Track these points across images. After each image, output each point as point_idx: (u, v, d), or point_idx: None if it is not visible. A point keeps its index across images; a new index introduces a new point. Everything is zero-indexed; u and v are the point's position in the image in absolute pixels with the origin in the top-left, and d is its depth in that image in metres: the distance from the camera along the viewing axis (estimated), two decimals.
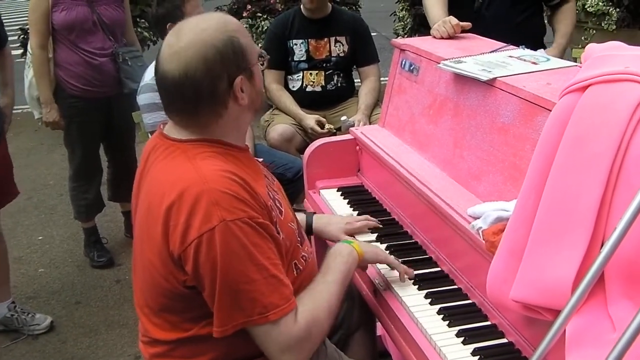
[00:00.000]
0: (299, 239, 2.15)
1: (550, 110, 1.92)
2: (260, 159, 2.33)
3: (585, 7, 7.09)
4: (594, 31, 7.20)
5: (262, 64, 2.05)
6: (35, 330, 4.10)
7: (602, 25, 7.06)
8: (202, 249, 1.82)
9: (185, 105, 1.95)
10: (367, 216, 2.75)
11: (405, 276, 2.33)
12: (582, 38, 7.26)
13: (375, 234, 2.65)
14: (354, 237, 2.58)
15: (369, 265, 2.39)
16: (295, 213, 2.46)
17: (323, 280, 2.11)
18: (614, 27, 6.99)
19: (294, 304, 1.93)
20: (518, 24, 3.71)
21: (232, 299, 1.86)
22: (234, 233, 1.82)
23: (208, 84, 1.89)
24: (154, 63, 3.50)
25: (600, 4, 7.04)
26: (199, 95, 1.91)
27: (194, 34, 1.90)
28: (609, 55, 1.91)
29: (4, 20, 4.19)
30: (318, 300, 2.03)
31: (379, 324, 2.85)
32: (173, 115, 2.01)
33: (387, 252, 2.46)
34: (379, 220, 2.73)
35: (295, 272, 2.06)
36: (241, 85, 1.93)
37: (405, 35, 7.82)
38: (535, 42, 3.07)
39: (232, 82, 1.91)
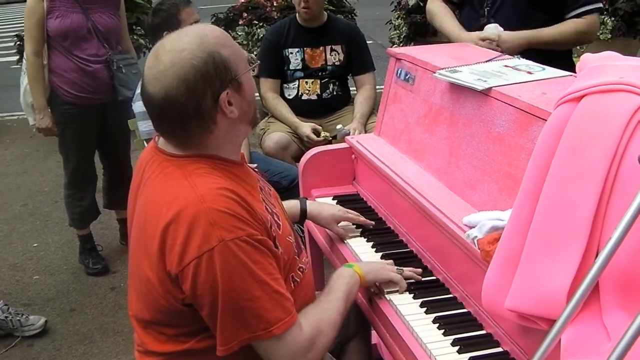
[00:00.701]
0: (296, 250, 2.15)
1: (546, 120, 1.93)
2: (254, 165, 2.33)
3: None
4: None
5: (253, 70, 2.04)
6: (30, 331, 4.12)
7: (597, 34, 7.06)
8: (201, 269, 1.82)
9: (173, 127, 1.93)
10: (361, 216, 2.78)
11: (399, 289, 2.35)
12: (578, 47, 7.26)
13: (371, 243, 2.65)
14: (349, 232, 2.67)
15: None
16: (288, 200, 2.47)
17: (327, 298, 2.14)
18: (609, 36, 7.01)
19: (296, 316, 1.94)
20: None
21: (235, 317, 1.86)
22: (233, 252, 1.82)
23: (193, 105, 1.87)
24: None
25: None
26: (184, 116, 1.88)
27: (172, 55, 1.87)
28: (604, 65, 1.92)
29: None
30: (322, 314, 2.06)
31: (374, 332, 2.85)
32: (164, 135, 2.00)
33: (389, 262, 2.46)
34: (374, 229, 2.76)
35: (292, 285, 2.07)
36: (228, 99, 1.90)
37: (401, 44, 7.83)
38: (559, 61, 2.96)
39: (217, 99, 1.88)
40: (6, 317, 4.09)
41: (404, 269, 2.38)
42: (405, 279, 2.35)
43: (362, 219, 2.76)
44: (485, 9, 3.52)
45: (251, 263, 1.84)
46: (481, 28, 3.41)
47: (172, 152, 1.98)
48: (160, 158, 1.99)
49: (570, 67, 3.05)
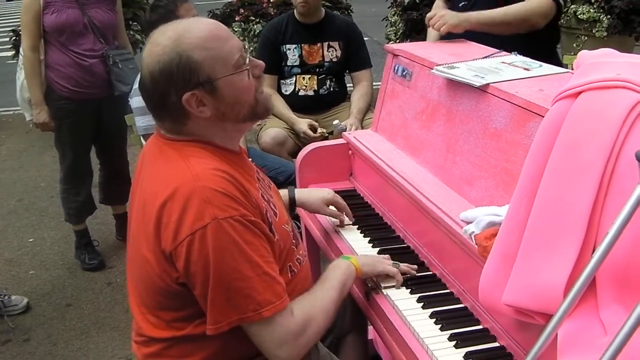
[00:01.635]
0: (293, 241, 2.17)
1: (543, 116, 1.94)
2: (250, 159, 2.34)
3: (577, 14, 7.12)
4: (586, 38, 7.24)
5: (250, 74, 2.01)
6: (14, 311, 4.22)
7: (593, 32, 7.09)
8: (194, 246, 1.83)
9: (152, 109, 2.02)
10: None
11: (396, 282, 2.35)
12: (574, 45, 7.30)
13: (368, 238, 2.66)
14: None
15: None
16: (278, 190, 2.48)
17: (321, 287, 2.15)
18: (605, 34, 7.02)
19: (287, 301, 1.95)
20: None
21: (225, 297, 1.86)
22: (226, 231, 1.83)
23: (158, 97, 1.94)
24: None
25: (592, 11, 7.07)
26: (155, 104, 1.98)
27: (150, 47, 1.94)
28: (601, 62, 1.93)
29: None
30: (315, 301, 2.07)
31: (370, 328, 2.86)
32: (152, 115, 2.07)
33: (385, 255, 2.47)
34: (371, 224, 2.76)
35: (289, 275, 2.08)
36: (195, 100, 1.91)
37: (397, 41, 7.83)
38: (538, 51, 2.96)
39: (180, 97, 1.90)
40: None
41: (400, 264, 2.39)
42: (402, 274, 2.36)
43: (346, 212, 2.78)
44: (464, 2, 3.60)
45: (243, 243, 1.85)
46: None
47: (171, 136, 2.01)
48: (160, 142, 2.03)
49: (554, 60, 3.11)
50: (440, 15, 3.14)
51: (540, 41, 3.26)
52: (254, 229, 1.90)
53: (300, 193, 2.73)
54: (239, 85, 1.98)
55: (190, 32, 1.93)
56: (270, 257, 1.94)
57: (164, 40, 1.92)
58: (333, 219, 2.80)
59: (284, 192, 2.68)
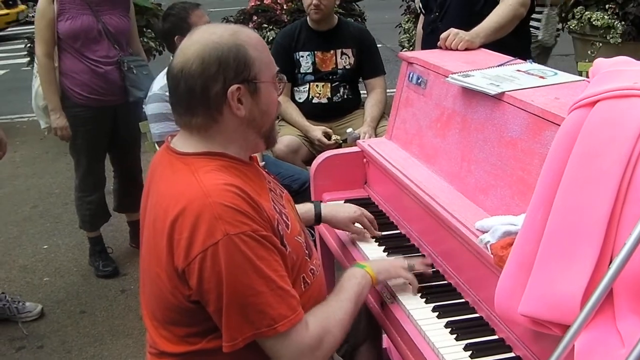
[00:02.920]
0: (307, 252, 2.15)
1: (558, 125, 1.93)
2: (267, 171, 2.33)
3: (591, 20, 7.10)
4: (600, 44, 7.21)
5: (280, 89, 2.09)
6: (28, 318, 4.23)
7: (608, 38, 7.06)
8: (206, 263, 1.82)
9: (181, 102, 1.98)
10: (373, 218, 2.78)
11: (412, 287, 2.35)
12: (588, 52, 7.27)
13: (383, 247, 2.65)
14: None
15: None
16: (303, 204, 2.48)
17: (336, 298, 2.13)
18: (619, 40, 6.99)
19: (302, 314, 1.94)
20: None
21: (240, 313, 1.86)
22: (238, 247, 1.82)
23: (201, 82, 1.92)
24: (162, 73, 3.53)
25: (606, 17, 7.04)
26: (192, 93, 1.94)
27: (202, 34, 1.96)
28: (617, 70, 1.92)
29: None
30: (330, 313, 2.06)
31: (385, 337, 2.85)
32: (175, 111, 2.03)
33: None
34: (385, 233, 2.75)
35: (303, 287, 2.07)
36: (238, 94, 1.93)
37: (411, 48, 7.82)
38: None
39: (227, 88, 1.92)
40: (4, 304, 4.20)
41: (414, 262, 2.38)
42: (416, 276, 2.35)
43: (373, 227, 2.76)
44: (435, 14, 3.98)
45: (255, 258, 1.85)
46: (434, 31, 3.79)
47: (181, 150, 2.00)
48: (170, 157, 2.02)
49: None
50: (455, 34, 3.22)
51: (509, 47, 3.30)
52: (266, 243, 1.89)
53: (326, 209, 2.72)
54: (272, 97, 2.04)
55: (245, 32, 2.00)
56: (283, 271, 1.93)
57: (221, 31, 1.96)
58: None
59: (309, 207, 2.68)
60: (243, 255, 1.83)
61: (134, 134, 4.71)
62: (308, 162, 4.54)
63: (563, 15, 7.43)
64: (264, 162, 4.14)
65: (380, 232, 2.77)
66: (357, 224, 2.74)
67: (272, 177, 2.28)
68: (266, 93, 2.00)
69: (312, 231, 3.25)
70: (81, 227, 4.97)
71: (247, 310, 1.85)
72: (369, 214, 2.75)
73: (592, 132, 1.75)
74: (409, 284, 2.35)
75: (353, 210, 2.75)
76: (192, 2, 4.13)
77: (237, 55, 1.92)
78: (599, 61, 2.06)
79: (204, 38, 1.94)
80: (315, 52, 4.76)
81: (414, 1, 6.75)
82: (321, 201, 2.85)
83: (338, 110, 4.87)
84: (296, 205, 2.38)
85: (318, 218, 2.70)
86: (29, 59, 7.86)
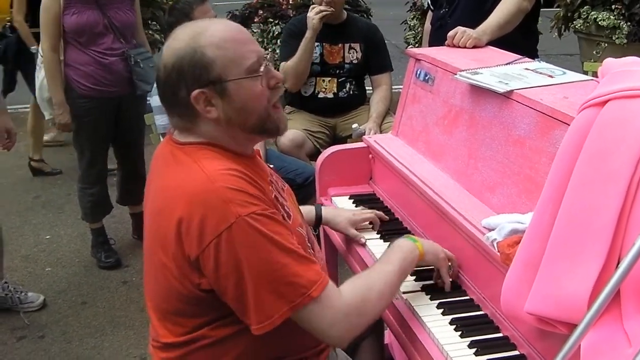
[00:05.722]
0: (308, 244, 2.15)
1: (567, 124, 1.93)
2: (271, 166, 2.33)
3: (597, 20, 7.10)
4: (605, 45, 7.21)
5: (265, 82, 1.98)
6: (30, 308, 4.25)
7: (613, 39, 7.06)
8: (221, 248, 1.81)
9: (164, 104, 2.03)
10: (375, 210, 2.80)
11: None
12: (594, 52, 7.28)
13: (388, 243, 2.64)
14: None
15: None
16: (303, 206, 2.47)
17: (380, 268, 2.13)
18: (625, 41, 7.00)
19: (327, 277, 1.93)
20: None
21: (270, 290, 1.84)
22: (252, 226, 1.82)
23: (169, 89, 1.95)
24: None
25: (612, 17, 7.05)
26: (165, 98, 2.00)
27: (171, 41, 1.97)
28: (628, 70, 1.91)
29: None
30: (370, 282, 2.05)
31: (387, 332, 2.85)
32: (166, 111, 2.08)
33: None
34: (391, 229, 2.75)
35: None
36: (204, 98, 1.92)
37: (416, 45, 7.81)
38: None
39: (190, 94, 1.91)
40: (6, 294, 4.22)
41: (455, 266, 2.38)
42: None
43: (377, 213, 2.78)
44: (445, 9, 4.01)
45: (272, 233, 1.84)
46: (442, 26, 3.84)
47: (182, 140, 2.01)
48: (172, 147, 2.02)
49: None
50: (462, 32, 3.21)
51: (518, 45, 3.30)
52: (277, 218, 1.90)
53: (326, 212, 2.73)
54: (250, 91, 1.96)
55: (210, 30, 1.94)
56: (297, 243, 1.93)
57: (183, 35, 1.94)
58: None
59: (309, 209, 2.68)
60: (259, 233, 1.82)
61: (137, 126, 4.72)
62: (312, 156, 4.54)
63: (569, 14, 7.43)
64: (267, 161, 4.14)
65: (386, 216, 2.81)
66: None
67: (274, 172, 2.27)
68: (238, 90, 1.94)
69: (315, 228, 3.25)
70: (83, 219, 4.97)
71: (276, 285, 1.84)
72: (369, 216, 2.77)
73: (602, 132, 1.75)
74: (438, 282, 2.35)
75: (352, 213, 2.77)
76: None
77: (193, 59, 1.90)
78: (609, 61, 2.06)
79: (169, 45, 1.96)
80: (324, 43, 4.75)
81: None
82: (322, 204, 2.85)
83: (343, 105, 4.87)
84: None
85: (319, 220, 2.71)
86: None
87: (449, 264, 2.35)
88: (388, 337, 3.01)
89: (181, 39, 1.93)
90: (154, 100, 4.02)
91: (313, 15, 4.54)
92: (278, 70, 4.86)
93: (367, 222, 2.78)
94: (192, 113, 1.95)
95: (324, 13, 4.52)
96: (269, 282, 1.84)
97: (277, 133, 2.11)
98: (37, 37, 5.15)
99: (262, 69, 1.96)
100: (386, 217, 2.80)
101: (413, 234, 2.67)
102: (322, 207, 2.75)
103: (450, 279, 2.35)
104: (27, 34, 5.85)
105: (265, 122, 2.01)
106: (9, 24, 6.04)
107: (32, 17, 5.56)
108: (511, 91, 2.36)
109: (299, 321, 1.91)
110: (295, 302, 1.85)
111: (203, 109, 1.93)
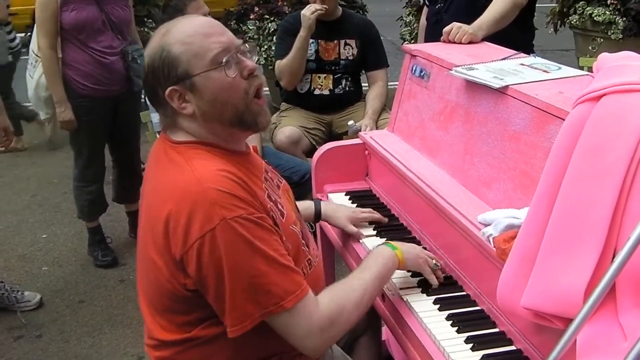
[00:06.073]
0: (303, 241, 2.15)
1: (562, 119, 1.93)
2: (265, 161, 2.33)
3: (592, 16, 7.10)
4: (601, 40, 7.22)
5: (238, 73, 1.95)
6: (27, 307, 4.25)
7: (609, 34, 7.07)
8: (204, 249, 1.82)
9: (150, 103, 2.09)
10: (371, 210, 2.80)
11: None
12: (589, 47, 7.28)
13: (384, 239, 2.65)
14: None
15: None
16: (303, 201, 2.47)
17: (358, 276, 2.13)
18: (620, 36, 7.01)
19: (308, 289, 1.93)
20: None
21: (244, 296, 1.85)
22: (235, 230, 1.82)
23: (148, 90, 2.03)
24: None
25: (607, 13, 7.05)
26: (149, 97, 2.06)
27: (150, 41, 2.01)
28: (622, 65, 1.91)
29: None
30: (348, 291, 2.05)
31: (383, 329, 2.85)
32: None
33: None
34: (387, 225, 2.76)
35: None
36: (178, 95, 1.93)
37: (412, 41, 7.82)
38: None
39: (164, 93, 1.93)
40: (2, 293, 4.23)
41: (439, 262, 2.38)
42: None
43: (375, 216, 2.78)
44: (440, 5, 4.02)
45: (254, 239, 1.84)
46: (438, 22, 3.86)
47: (175, 139, 2.01)
48: (166, 146, 2.02)
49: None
50: (458, 27, 3.21)
51: (513, 40, 3.30)
52: (264, 224, 1.89)
53: (326, 208, 2.74)
54: (218, 83, 1.93)
55: (177, 27, 1.96)
56: (283, 250, 1.92)
57: (156, 35, 1.98)
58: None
59: (309, 204, 2.69)
60: (242, 238, 1.82)
61: (134, 124, 4.72)
62: (309, 153, 4.54)
63: (565, 10, 7.44)
64: (263, 157, 4.14)
65: (385, 218, 2.80)
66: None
67: (270, 168, 2.27)
68: (206, 83, 1.93)
69: (312, 224, 3.25)
70: (79, 217, 4.97)
71: (252, 291, 1.85)
72: (368, 216, 2.77)
73: (597, 127, 1.75)
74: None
75: (352, 210, 2.78)
76: None
77: (162, 58, 1.92)
78: (604, 56, 2.06)
79: (148, 46, 2.00)
80: (319, 40, 4.76)
81: None
82: (321, 199, 2.85)
83: (339, 102, 4.88)
84: (297, 202, 2.37)
85: (318, 215, 2.72)
86: (25, 49, 7.86)
87: (433, 262, 2.36)
88: (385, 333, 3.01)
89: (154, 39, 1.97)
90: None
91: (308, 14, 4.54)
92: (274, 67, 4.89)
93: (367, 223, 2.78)
94: (172, 111, 1.98)
95: (318, 12, 4.52)
96: (245, 287, 1.85)
97: (256, 127, 2.04)
98: None
99: (226, 59, 1.93)
100: (385, 219, 2.79)
101: (411, 230, 2.68)
102: (322, 203, 2.76)
103: (443, 274, 2.36)
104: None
105: (243, 114, 1.99)
106: None
107: None
108: (506, 86, 2.36)
109: (275, 329, 1.92)
110: (268, 309, 1.87)
111: (178, 105, 1.95)
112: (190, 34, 1.93)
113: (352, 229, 2.72)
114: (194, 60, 1.92)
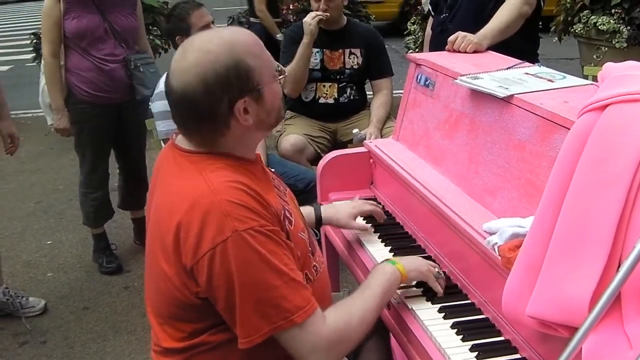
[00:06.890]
0: (310, 248, 2.15)
1: (567, 128, 1.93)
2: (272, 170, 2.34)
3: (597, 24, 7.10)
4: (605, 49, 7.21)
5: (281, 79, 2.04)
6: (31, 313, 4.26)
7: (613, 43, 7.06)
8: (215, 261, 1.82)
9: (186, 121, 1.97)
10: (375, 203, 2.83)
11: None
12: (594, 56, 7.27)
13: (389, 247, 2.66)
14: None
15: None
16: (303, 207, 2.48)
17: (362, 294, 2.13)
18: (625, 45, 7.00)
19: (316, 305, 1.94)
20: None
21: (255, 309, 1.85)
22: (247, 242, 1.82)
23: (207, 105, 1.89)
24: None
25: (612, 22, 7.05)
26: (198, 115, 1.91)
27: (198, 54, 1.89)
28: (627, 75, 1.92)
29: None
30: (352, 308, 2.05)
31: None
32: (179, 128, 2.03)
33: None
34: (392, 233, 2.77)
35: (305, 283, 2.07)
36: (244, 107, 1.91)
37: (417, 50, 7.83)
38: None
39: (233, 105, 1.90)
40: (7, 299, 4.23)
41: (442, 271, 2.39)
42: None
43: (379, 210, 2.81)
44: (445, 14, 4.02)
45: (266, 252, 1.84)
46: (443, 31, 3.85)
47: (187, 148, 2.00)
48: (175, 154, 2.02)
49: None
50: (463, 37, 3.22)
51: (518, 50, 3.31)
52: (275, 237, 1.89)
53: (326, 211, 2.73)
54: (275, 92, 2.00)
55: (239, 39, 1.94)
56: (293, 264, 1.93)
57: (216, 47, 1.89)
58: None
59: (309, 210, 2.68)
60: (253, 251, 1.83)
61: (139, 132, 4.73)
62: (314, 161, 4.55)
63: (569, 19, 7.43)
64: (273, 170, 4.14)
65: (384, 215, 2.84)
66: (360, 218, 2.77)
67: (275, 176, 2.28)
68: (270, 92, 1.97)
69: (317, 231, 3.26)
70: (85, 224, 4.97)
71: (261, 305, 1.85)
72: (370, 208, 2.79)
73: (602, 136, 1.75)
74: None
75: (352, 205, 2.77)
76: (194, 1, 4.15)
77: (238, 71, 1.88)
78: (609, 65, 2.06)
79: (201, 59, 1.88)
80: (324, 50, 4.78)
81: (421, 5, 6.79)
82: (320, 203, 2.86)
83: (344, 111, 4.89)
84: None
85: (319, 221, 2.71)
86: (34, 54, 7.88)
87: (437, 270, 2.36)
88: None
89: (216, 51, 1.88)
90: (155, 106, 4.02)
91: (310, 20, 4.55)
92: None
93: (367, 225, 2.79)
94: (226, 125, 1.93)
95: (319, 18, 4.53)
96: (255, 301, 1.85)
97: (276, 124, 2.14)
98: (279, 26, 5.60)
99: (280, 69, 2.02)
100: (383, 215, 2.82)
101: (416, 239, 2.69)
102: (322, 207, 2.75)
103: (446, 283, 2.36)
104: (271, 24, 6.02)
105: (279, 114, 2.07)
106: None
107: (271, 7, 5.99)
108: (511, 96, 2.37)
109: (281, 343, 1.93)
110: (277, 324, 1.87)
111: (242, 117, 1.93)
112: (257, 46, 1.96)
113: (357, 224, 2.73)
114: (265, 71, 1.95)
